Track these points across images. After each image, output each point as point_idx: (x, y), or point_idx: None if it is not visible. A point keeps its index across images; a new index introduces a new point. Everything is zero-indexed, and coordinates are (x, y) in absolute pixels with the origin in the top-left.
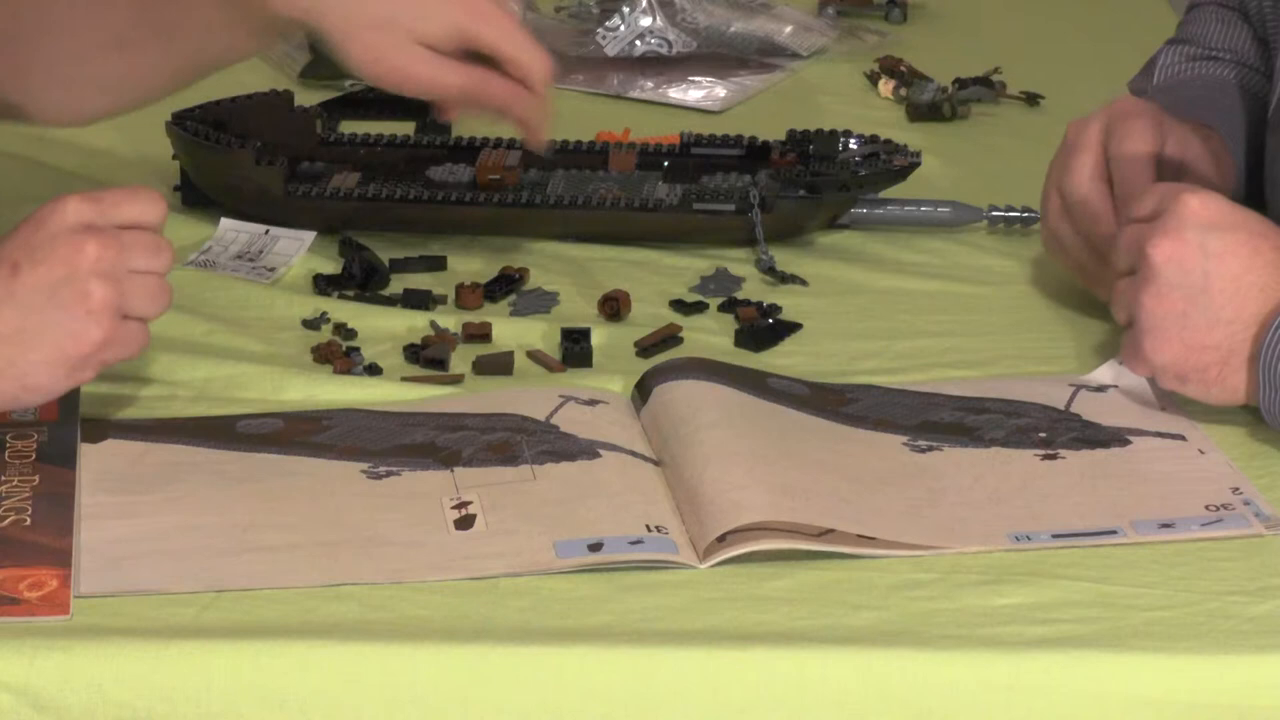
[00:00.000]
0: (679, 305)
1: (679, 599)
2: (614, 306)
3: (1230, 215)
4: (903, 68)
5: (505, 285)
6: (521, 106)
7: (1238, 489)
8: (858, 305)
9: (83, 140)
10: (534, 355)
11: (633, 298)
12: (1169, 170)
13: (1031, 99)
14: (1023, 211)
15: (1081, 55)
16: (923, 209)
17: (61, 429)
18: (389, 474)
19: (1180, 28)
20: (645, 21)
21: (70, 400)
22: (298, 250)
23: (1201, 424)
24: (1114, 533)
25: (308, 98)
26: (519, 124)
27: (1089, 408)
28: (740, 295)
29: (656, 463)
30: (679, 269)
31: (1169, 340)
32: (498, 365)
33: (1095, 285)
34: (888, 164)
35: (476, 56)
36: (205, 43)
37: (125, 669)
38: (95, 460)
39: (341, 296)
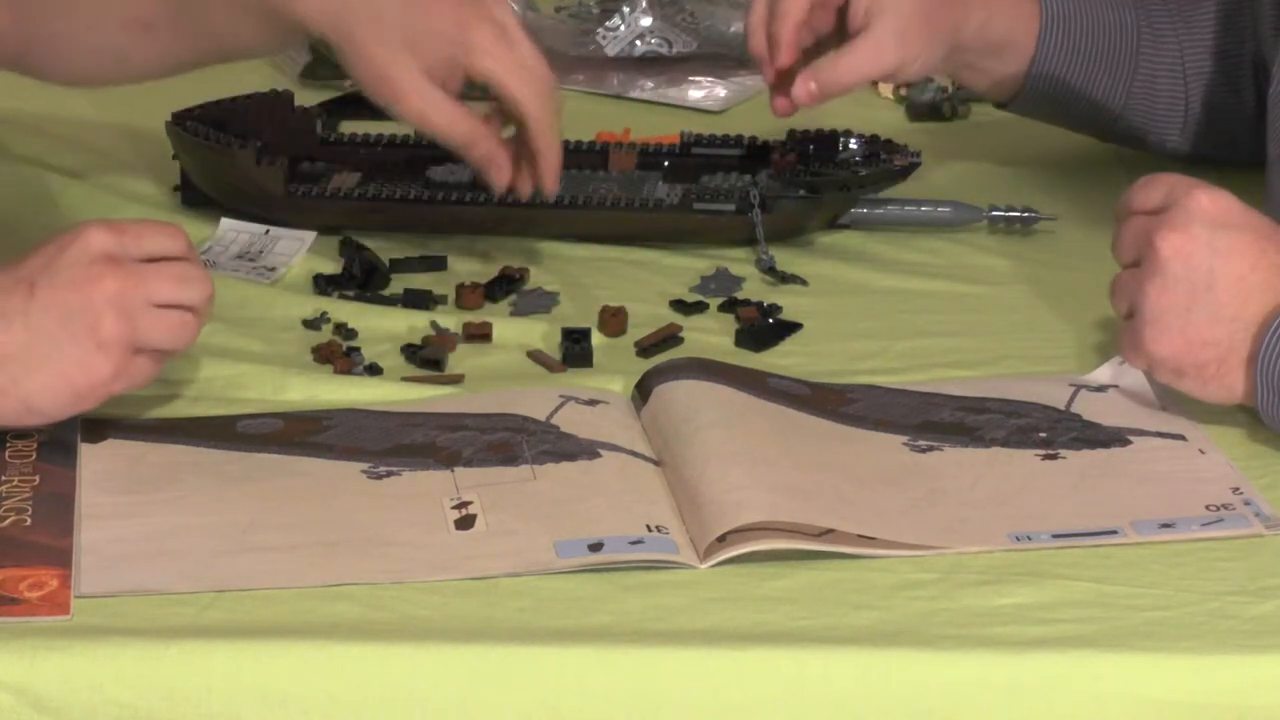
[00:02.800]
0: (679, 305)
1: (679, 599)
2: (618, 324)
3: (1239, 214)
4: None
5: (505, 285)
6: (501, 163)
7: (1238, 489)
8: (858, 305)
9: (84, 140)
10: (534, 355)
11: (633, 298)
12: (852, 24)
13: None
14: (1023, 211)
15: None
16: (923, 209)
17: (61, 429)
18: (389, 474)
19: None
20: (645, 21)
21: None
22: (298, 250)
23: (1202, 424)
24: (1114, 533)
25: (308, 98)
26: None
27: (1089, 408)
28: (740, 295)
29: (657, 463)
30: (679, 269)
31: (1170, 333)
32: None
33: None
34: (888, 164)
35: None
36: (229, 35)
37: (126, 669)
38: (95, 460)
39: (342, 296)
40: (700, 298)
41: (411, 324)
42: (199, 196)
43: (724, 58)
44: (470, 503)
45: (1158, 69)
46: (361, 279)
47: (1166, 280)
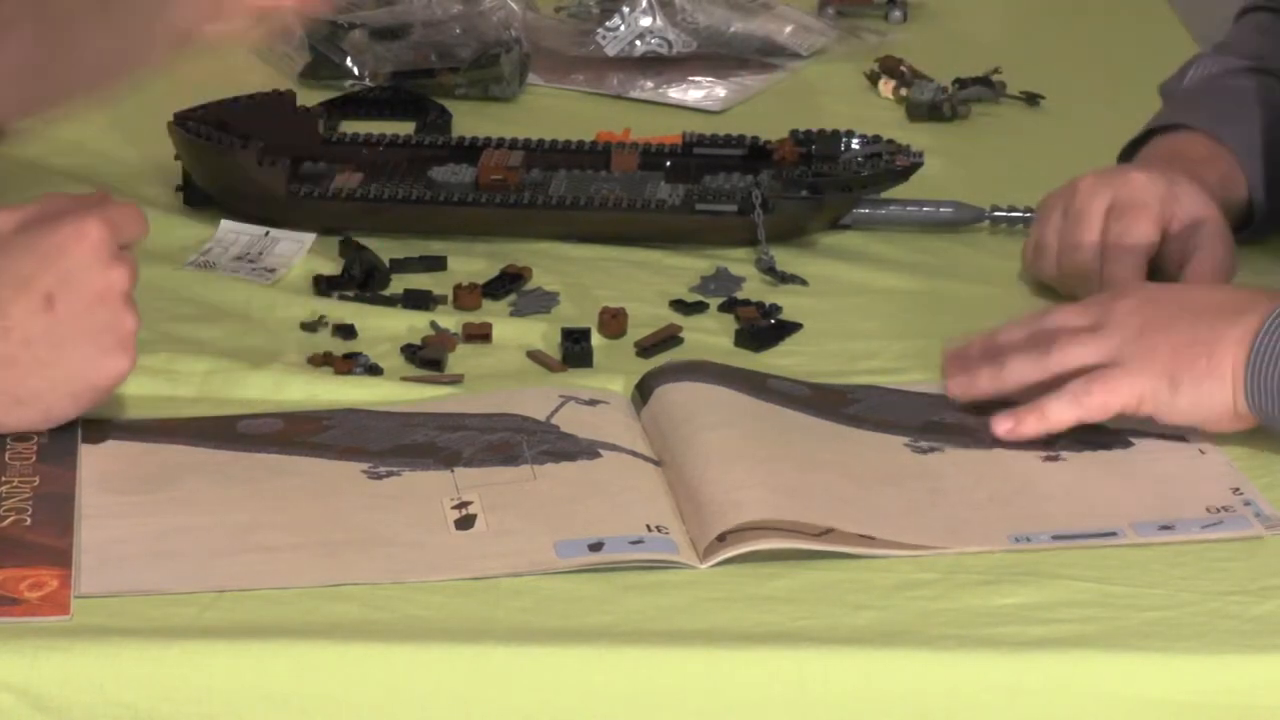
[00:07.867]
0: (679, 305)
1: (679, 599)
2: (618, 325)
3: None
4: (903, 68)
5: (505, 284)
6: None
7: (1238, 489)
8: (858, 305)
9: (86, 141)
10: (534, 355)
11: (633, 298)
12: (1174, 253)
13: (1031, 99)
14: (1024, 212)
15: (1081, 55)
16: (925, 209)
17: (62, 429)
18: (389, 474)
19: (1228, 34)
20: (645, 21)
21: None
22: (297, 252)
23: None
24: (1114, 534)
25: (310, 98)
26: None
27: None
28: (740, 295)
29: (657, 463)
30: (680, 269)
31: (1156, 351)
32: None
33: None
34: (890, 164)
35: None
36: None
37: (126, 669)
38: (95, 461)
39: (342, 297)
40: (700, 298)
41: (411, 324)
42: (201, 197)
43: (724, 58)
44: (470, 503)
45: None
46: (361, 279)
47: (1139, 302)
